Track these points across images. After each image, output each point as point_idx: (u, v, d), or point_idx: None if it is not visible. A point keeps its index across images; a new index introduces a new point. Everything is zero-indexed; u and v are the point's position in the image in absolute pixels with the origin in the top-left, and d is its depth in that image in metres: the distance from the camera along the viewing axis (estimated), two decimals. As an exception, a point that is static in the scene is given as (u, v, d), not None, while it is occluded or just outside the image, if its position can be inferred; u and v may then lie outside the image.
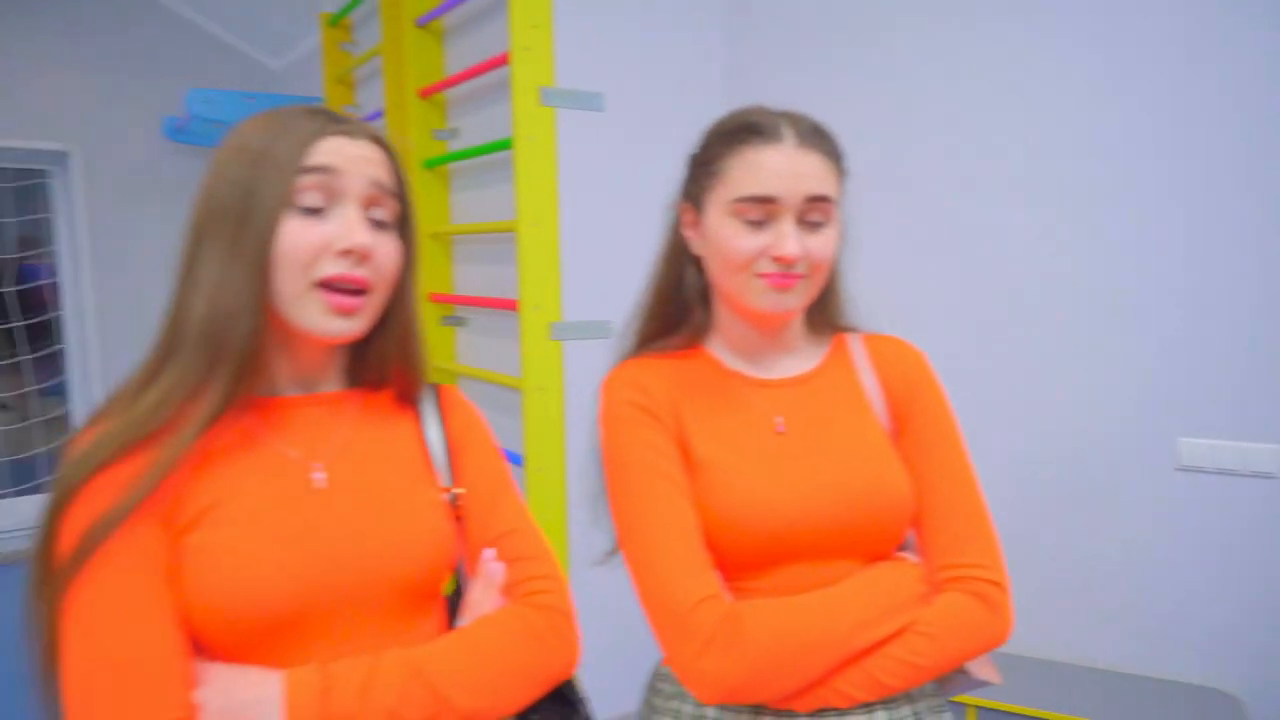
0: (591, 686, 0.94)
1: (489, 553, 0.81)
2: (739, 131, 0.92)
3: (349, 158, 0.75)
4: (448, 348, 2.80)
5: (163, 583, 0.68)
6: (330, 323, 0.74)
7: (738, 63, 2.53)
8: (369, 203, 0.76)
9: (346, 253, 0.73)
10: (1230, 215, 1.89)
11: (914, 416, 0.96)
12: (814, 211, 0.89)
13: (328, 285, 0.74)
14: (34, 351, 3.95)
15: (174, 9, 4.09)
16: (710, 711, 0.91)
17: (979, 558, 0.89)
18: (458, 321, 2.76)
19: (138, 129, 4.00)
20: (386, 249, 0.77)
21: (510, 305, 2.27)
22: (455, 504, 0.83)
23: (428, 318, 2.76)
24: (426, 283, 2.74)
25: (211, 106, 3.35)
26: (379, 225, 0.77)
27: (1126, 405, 2.03)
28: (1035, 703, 1.95)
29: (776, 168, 0.88)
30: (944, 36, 2.20)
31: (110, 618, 0.65)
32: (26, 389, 3.93)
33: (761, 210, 0.88)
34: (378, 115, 2.86)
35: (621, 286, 2.33)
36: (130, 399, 0.73)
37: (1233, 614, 1.99)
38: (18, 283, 3.93)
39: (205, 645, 0.70)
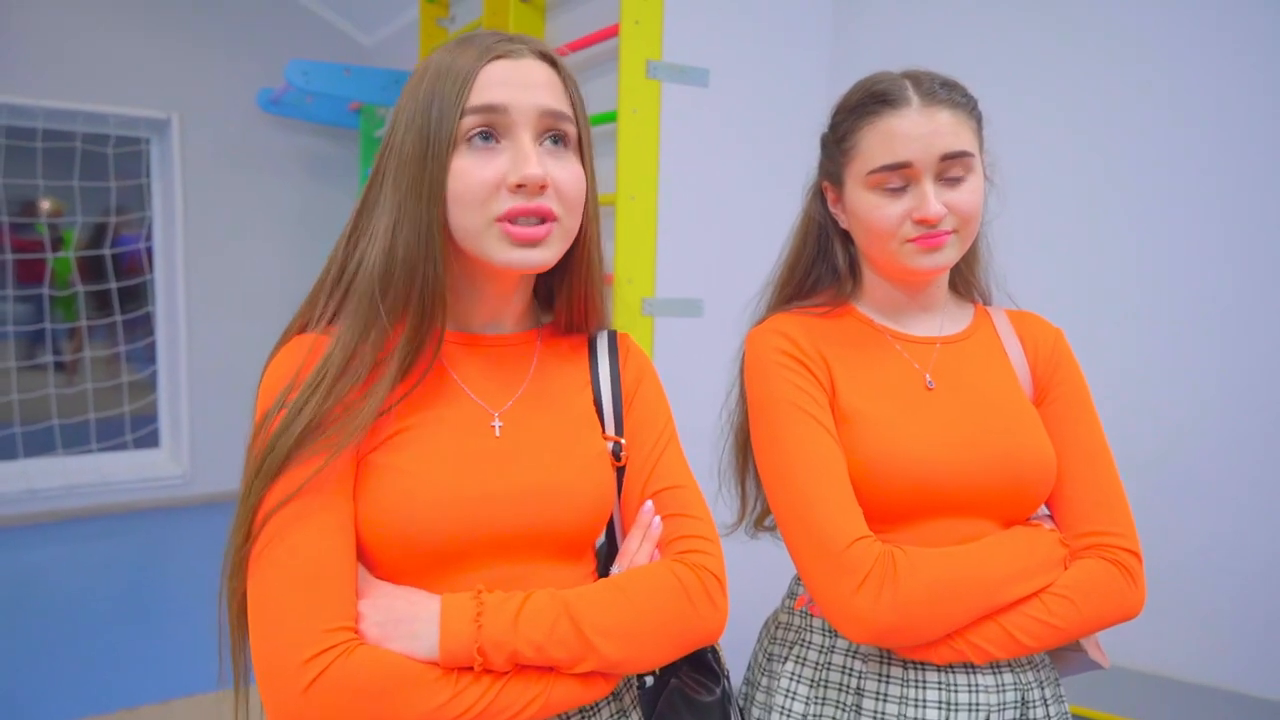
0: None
1: (649, 505, 0.83)
2: (865, 103, 0.95)
3: (514, 86, 0.74)
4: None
5: (346, 497, 0.73)
6: (514, 254, 0.75)
7: (846, 41, 2.55)
8: (542, 129, 0.76)
9: (520, 186, 0.74)
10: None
11: (1055, 387, 0.98)
12: (952, 168, 0.91)
13: (508, 219, 0.75)
14: (125, 313, 4.15)
15: (273, -17, 4.26)
16: (837, 658, 0.94)
17: (1117, 526, 0.91)
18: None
19: (234, 100, 4.18)
20: (567, 174, 0.77)
21: (605, 280, 2.32)
22: (618, 454, 0.85)
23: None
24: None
25: (309, 78, 3.48)
26: (555, 151, 0.77)
27: (1241, 410, 2.00)
28: (1130, 712, 1.93)
29: (906, 132, 0.91)
30: (1068, 9, 2.19)
31: (299, 527, 0.71)
32: (118, 349, 4.14)
33: (899, 177, 0.91)
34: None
35: (715, 265, 2.40)
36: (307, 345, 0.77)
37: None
38: (112, 246, 4.13)
39: (370, 559, 0.75)
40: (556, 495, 0.79)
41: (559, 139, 0.78)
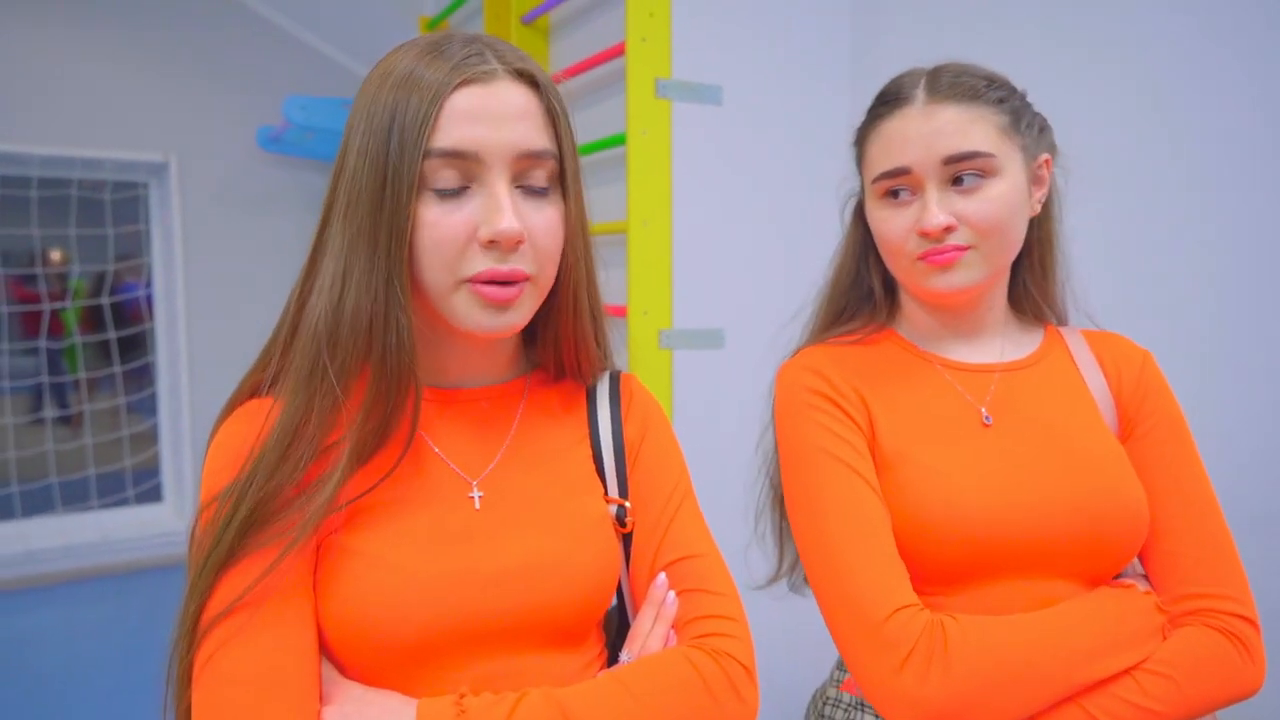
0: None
1: (661, 579, 0.74)
2: (875, 105, 0.89)
3: (486, 122, 0.65)
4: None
5: (305, 589, 0.65)
6: (484, 319, 0.68)
7: (866, 52, 2.46)
8: (518, 171, 0.68)
9: (493, 243, 0.66)
10: None
11: (1144, 420, 0.86)
12: (961, 171, 0.81)
13: (479, 281, 0.67)
14: (125, 364, 4.09)
15: (269, 18, 4.25)
16: None
17: (1227, 588, 0.79)
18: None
19: (232, 140, 4.14)
20: (544, 224, 0.69)
21: (618, 312, 2.22)
22: (623, 519, 0.76)
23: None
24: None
25: (308, 114, 3.44)
26: (533, 193, 0.69)
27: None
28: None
29: (904, 134, 0.83)
30: (1105, 18, 2.08)
31: (250, 630, 0.62)
32: (117, 401, 4.08)
33: (901, 184, 0.83)
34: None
35: (736, 293, 2.30)
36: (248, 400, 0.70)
37: None
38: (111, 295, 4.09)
39: (336, 657, 0.66)
40: (549, 573, 0.69)
41: (541, 182, 0.70)
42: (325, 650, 0.66)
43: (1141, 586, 0.82)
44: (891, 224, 0.85)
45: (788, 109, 2.35)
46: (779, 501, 0.97)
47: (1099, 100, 2.07)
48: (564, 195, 0.72)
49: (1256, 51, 1.89)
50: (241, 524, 0.63)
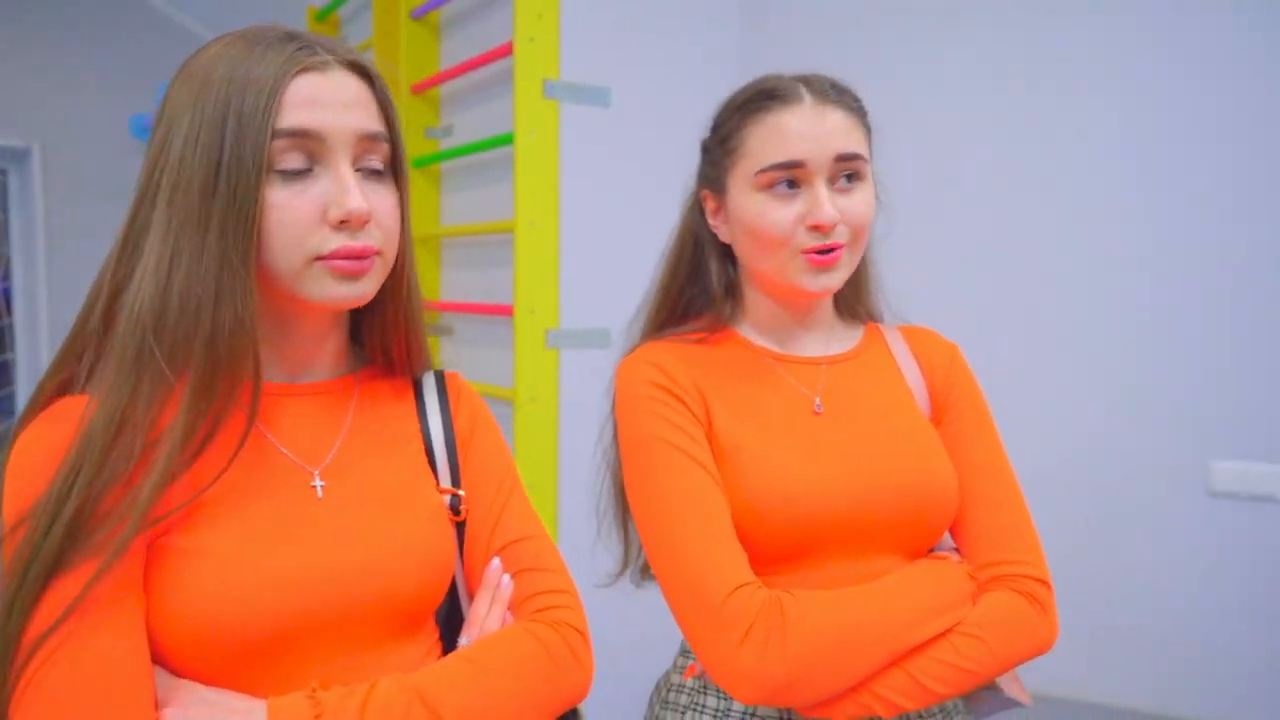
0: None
1: (496, 563, 0.78)
2: (753, 99, 0.91)
3: (327, 106, 0.68)
4: (433, 358, 2.77)
5: (135, 594, 0.64)
6: (338, 289, 0.69)
7: (753, 57, 2.55)
8: (359, 154, 0.71)
9: (344, 223, 0.68)
10: (1267, 234, 1.92)
11: (953, 406, 0.95)
12: (846, 171, 0.88)
13: (332, 258, 0.69)
14: (-21, 361, 3.88)
15: (146, 1, 4.10)
16: (737, 718, 0.88)
17: (1025, 555, 0.88)
18: (444, 330, 2.74)
19: (103, 127, 3.98)
20: (385, 203, 0.72)
21: (503, 311, 2.25)
22: (457, 507, 0.79)
23: (412, 326, 2.74)
24: (412, 288, 2.72)
25: (186, 102, 3.34)
26: (371, 174, 0.72)
27: (1156, 427, 2.04)
28: (1060, 743, 1.92)
29: (799, 129, 0.87)
30: (972, 32, 2.23)
31: (75, 641, 0.61)
32: (-31, 400, 3.86)
33: (790, 177, 0.87)
34: (365, 112, 2.87)
35: (623, 293, 2.32)
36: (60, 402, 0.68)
37: (1263, 652, 1.98)
38: (-35, 287, 3.87)
39: (171, 661, 0.66)
40: (392, 562, 0.71)
41: (377, 164, 0.72)
42: (158, 655, 0.65)
43: (954, 558, 0.90)
44: (777, 215, 0.87)
45: (675, 111, 2.42)
46: (622, 496, 1.00)
47: (939, 118, 2.22)
48: (396, 180, 0.75)
49: (1070, 59, 2.07)
50: (66, 528, 0.61)
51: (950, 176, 2.23)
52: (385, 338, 0.81)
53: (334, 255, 0.68)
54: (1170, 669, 2.05)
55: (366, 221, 0.69)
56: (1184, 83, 1.99)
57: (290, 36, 0.69)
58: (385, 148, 0.72)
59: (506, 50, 2.17)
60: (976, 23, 2.21)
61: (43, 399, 0.70)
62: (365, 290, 0.71)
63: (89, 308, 0.70)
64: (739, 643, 0.78)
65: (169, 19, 4.13)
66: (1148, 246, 2.03)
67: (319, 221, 0.68)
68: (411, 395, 0.83)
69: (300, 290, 0.69)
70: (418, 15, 2.58)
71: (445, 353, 2.75)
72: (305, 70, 0.67)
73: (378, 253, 0.71)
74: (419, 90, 2.64)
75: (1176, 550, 2.03)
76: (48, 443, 0.65)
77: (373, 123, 0.71)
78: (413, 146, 2.66)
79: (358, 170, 0.70)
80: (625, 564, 1.06)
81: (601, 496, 1.04)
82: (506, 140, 2.19)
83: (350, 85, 0.70)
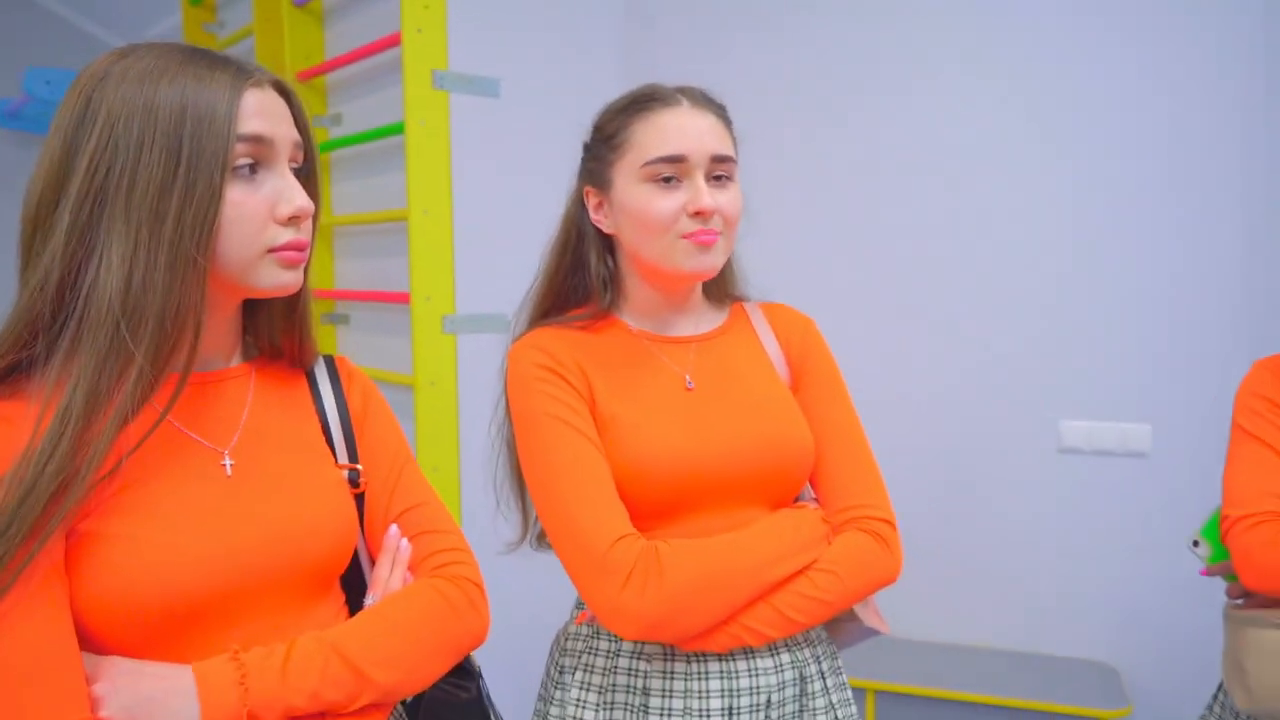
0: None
1: (394, 529, 0.86)
2: (638, 101, 1.02)
3: (270, 118, 0.76)
4: (329, 347, 2.78)
5: (57, 575, 0.68)
6: (285, 277, 0.78)
7: (636, 50, 2.65)
8: (290, 159, 0.79)
9: (293, 218, 0.77)
10: (1108, 210, 2.13)
11: (808, 374, 1.07)
12: (720, 169, 0.99)
13: (282, 250, 0.77)
14: None
15: (5, -18, 3.91)
16: (623, 662, 0.99)
17: (872, 499, 1.01)
18: (340, 319, 2.75)
19: (-40, 112, 3.78)
20: (312, 202, 0.80)
21: (400, 298, 2.29)
22: (356, 481, 0.87)
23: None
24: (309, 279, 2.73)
25: (54, 88, 3.22)
26: (299, 179, 0.80)
27: (1012, 393, 2.24)
28: (930, 683, 2.10)
29: (681, 127, 0.98)
30: (841, 24, 2.38)
31: (6, 611, 0.65)
32: None
33: (673, 169, 0.97)
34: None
35: (517, 278, 2.39)
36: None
37: (1111, 590, 2.21)
38: None
39: (98, 639, 0.70)
40: (302, 532, 0.79)
41: (297, 169, 0.81)
42: (82, 635, 0.69)
43: (812, 506, 1.03)
44: (661, 204, 0.97)
45: (563, 102, 2.49)
46: (516, 470, 1.10)
47: (818, 106, 2.37)
48: (311, 183, 0.84)
49: (934, 55, 2.25)
50: (50, 498, 0.65)
51: (819, 161, 2.38)
52: (286, 328, 0.87)
53: (285, 247, 0.77)
54: (1029, 608, 2.27)
55: (308, 217, 0.79)
56: (1039, 65, 2.18)
57: (221, 56, 0.76)
58: (302, 154, 0.81)
59: (395, 40, 2.19)
60: (850, 14, 2.36)
61: None
62: (299, 279, 0.80)
63: (34, 296, 0.73)
64: (621, 586, 0.88)
65: (34, 2, 3.95)
66: (1001, 226, 2.23)
67: (268, 217, 0.76)
68: (303, 379, 0.90)
69: (249, 279, 0.76)
70: (300, 2, 2.57)
71: (342, 341, 2.77)
72: (254, 85, 0.76)
73: (308, 244, 0.80)
74: (305, 78, 2.63)
75: (1032, 501, 2.24)
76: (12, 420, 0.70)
77: (296, 130, 0.80)
78: (301, 135, 2.67)
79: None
80: (524, 532, 1.15)
81: (498, 470, 1.12)
82: (397, 130, 2.22)
83: (279, 101, 0.79)
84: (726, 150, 0.99)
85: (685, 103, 0.99)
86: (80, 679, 0.67)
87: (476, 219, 2.31)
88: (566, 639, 1.07)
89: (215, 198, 0.72)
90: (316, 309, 2.78)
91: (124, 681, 0.68)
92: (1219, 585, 1.18)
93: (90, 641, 0.70)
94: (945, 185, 2.28)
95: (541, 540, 1.15)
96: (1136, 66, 2.08)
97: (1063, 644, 2.26)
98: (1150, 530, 2.16)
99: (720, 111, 1.03)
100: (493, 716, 0.97)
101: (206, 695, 0.68)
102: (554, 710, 1.04)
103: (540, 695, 1.09)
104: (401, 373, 2.33)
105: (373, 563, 0.86)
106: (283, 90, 0.80)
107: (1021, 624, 2.29)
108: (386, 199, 2.44)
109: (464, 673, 0.92)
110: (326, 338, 2.78)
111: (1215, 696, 1.18)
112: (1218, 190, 2.05)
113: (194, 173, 0.71)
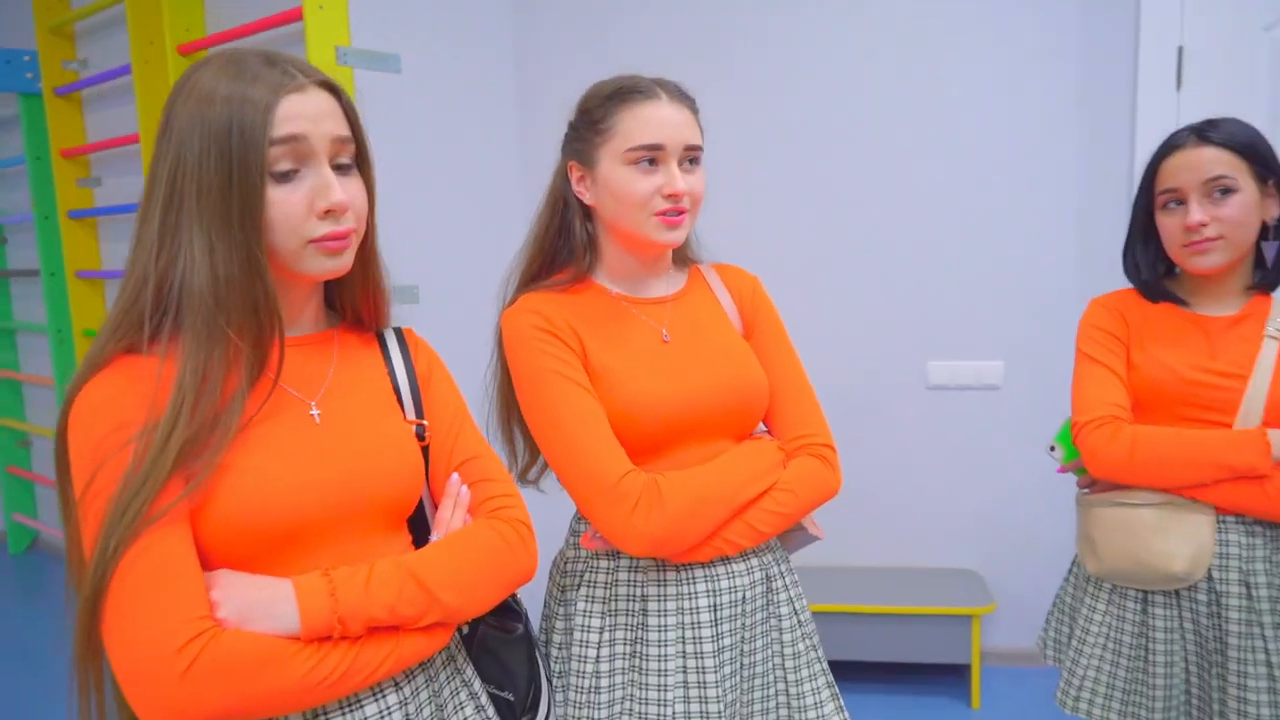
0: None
1: (455, 477, 0.99)
2: (621, 92, 1.16)
3: (309, 119, 0.85)
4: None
5: (182, 509, 0.80)
6: (328, 263, 0.88)
7: (528, 25, 2.76)
8: (333, 154, 0.88)
9: (328, 213, 0.86)
10: (966, 180, 2.44)
11: (758, 325, 1.27)
12: (690, 155, 1.16)
13: (321, 241, 0.87)
14: None
15: None
16: (621, 576, 1.16)
17: (816, 429, 1.22)
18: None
19: None
20: (355, 191, 0.90)
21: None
22: (422, 435, 0.99)
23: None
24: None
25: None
26: (343, 169, 0.89)
27: (885, 337, 2.54)
28: (822, 600, 2.39)
29: (661, 119, 1.13)
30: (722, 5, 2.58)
31: (147, 538, 0.77)
32: None
33: (652, 155, 1.13)
34: (124, 71, 2.78)
35: (427, 251, 2.53)
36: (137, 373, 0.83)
37: (973, 506, 2.57)
38: None
39: (212, 556, 0.83)
40: (379, 474, 0.91)
41: (346, 160, 0.90)
42: (199, 552, 0.80)
43: (767, 437, 1.23)
44: (640, 185, 1.11)
45: (461, 77, 2.59)
46: (504, 417, 1.25)
47: (711, 73, 2.58)
48: (362, 170, 0.93)
49: (823, 27, 2.50)
50: (178, 454, 0.77)
51: (707, 126, 2.59)
52: (359, 301, 0.99)
53: (324, 239, 0.86)
54: (905, 528, 2.60)
55: (346, 210, 0.88)
56: (905, 39, 2.45)
57: (271, 61, 0.85)
58: (352, 147, 0.90)
59: (294, 16, 2.23)
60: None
61: (104, 360, 0.84)
62: (345, 263, 0.90)
63: (137, 288, 0.84)
64: (630, 512, 1.05)
65: None
66: (876, 194, 2.51)
67: (308, 212, 0.86)
68: (377, 346, 1.01)
69: (297, 266, 0.87)
70: (187, -26, 2.54)
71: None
72: (290, 92, 0.84)
73: (353, 232, 0.90)
74: (187, 51, 2.61)
75: (906, 433, 2.56)
76: (118, 389, 0.82)
77: (342, 128, 0.88)
78: (186, 109, 2.65)
79: (334, 167, 0.88)
80: (516, 469, 1.28)
81: (491, 418, 1.26)
82: (302, 106, 2.27)
83: (323, 100, 0.87)
84: (697, 140, 1.16)
85: (664, 96, 1.15)
86: (201, 587, 0.79)
87: (384, 193, 2.37)
88: (566, 563, 1.23)
89: (259, 198, 0.83)
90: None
91: (235, 590, 0.80)
92: (1064, 497, 1.44)
93: (205, 558, 0.82)
94: (827, 157, 2.53)
95: (524, 478, 1.30)
96: (990, 63, 2.39)
97: (935, 556, 2.60)
98: (1004, 452, 2.51)
99: (692, 104, 1.19)
100: (538, 652, 1.11)
101: (304, 602, 0.80)
102: (560, 624, 1.20)
103: (545, 614, 1.25)
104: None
105: (435, 507, 0.99)
106: (331, 89, 0.89)
107: (899, 542, 2.62)
108: None
109: (512, 613, 1.06)
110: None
111: (1070, 569, 1.48)
112: (1054, 163, 2.38)
113: (242, 178, 0.82)
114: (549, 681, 1.15)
